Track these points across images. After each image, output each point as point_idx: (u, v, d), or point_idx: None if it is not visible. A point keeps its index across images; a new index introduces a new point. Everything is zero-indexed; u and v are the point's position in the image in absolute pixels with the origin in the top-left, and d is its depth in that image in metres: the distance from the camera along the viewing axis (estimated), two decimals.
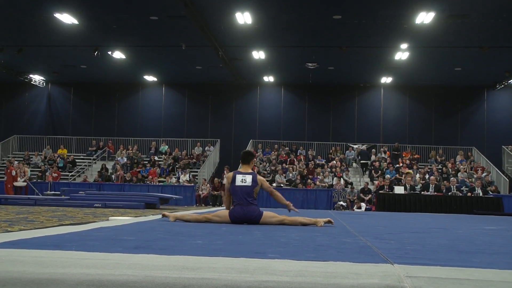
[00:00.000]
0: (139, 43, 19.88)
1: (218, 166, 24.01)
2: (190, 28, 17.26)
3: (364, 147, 23.88)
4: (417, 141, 24.75)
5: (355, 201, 18.88)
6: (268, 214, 6.09)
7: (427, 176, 20.35)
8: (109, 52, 20.53)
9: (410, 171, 20.99)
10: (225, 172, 20.82)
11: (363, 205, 18.59)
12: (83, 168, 23.85)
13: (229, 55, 20.57)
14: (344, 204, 18.90)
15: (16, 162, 21.16)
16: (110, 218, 7.36)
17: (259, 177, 6.25)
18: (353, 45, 19.08)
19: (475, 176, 20.95)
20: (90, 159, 24.55)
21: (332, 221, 6.19)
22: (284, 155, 23.61)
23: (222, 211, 6.31)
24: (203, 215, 6.31)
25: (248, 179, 6.08)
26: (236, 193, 6.07)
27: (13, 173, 19.01)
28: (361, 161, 23.25)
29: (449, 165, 22.34)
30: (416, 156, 23.77)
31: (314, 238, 4.13)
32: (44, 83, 26.89)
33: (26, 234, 3.65)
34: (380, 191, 18.74)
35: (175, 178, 21.61)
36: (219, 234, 4.29)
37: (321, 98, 25.80)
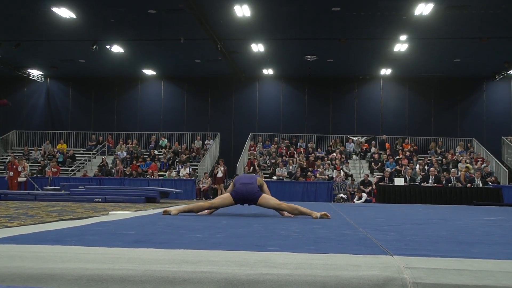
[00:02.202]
0: (138, 37, 19.82)
1: (218, 159, 24.02)
2: (189, 21, 17.20)
3: (363, 139, 23.87)
4: (417, 132, 24.74)
5: (356, 192, 18.90)
6: (266, 195, 6.23)
7: (426, 168, 20.36)
8: (108, 46, 20.47)
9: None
10: (219, 164, 20.79)
11: (364, 195, 18.61)
12: (83, 163, 23.86)
13: (228, 48, 20.52)
14: (344, 196, 18.93)
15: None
16: (110, 212, 7.37)
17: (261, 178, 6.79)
18: (352, 37, 19.04)
19: (475, 167, 20.96)
20: (90, 153, 24.54)
21: (328, 214, 6.14)
22: (284, 148, 23.62)
23: (223, 194, 6.47)
24: (206, 202, 6.52)
25: (252, 175, 6.62)
26: (239, 179, 6.40)
27: (19, 168, 19.08)
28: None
29: (449, 156, 22.34)
30: (414, 147, 23.77)
31: (314, 231, 4.14)
32: (43, 78, 26.85)
33: (25, 229, 3.65)
34: (380, 183, 18.77)
35: (175, 172, 21.62)
36: (219, 228, 4.29)
37: (321, 90, 25.77)
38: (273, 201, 6.18)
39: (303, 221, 5.38)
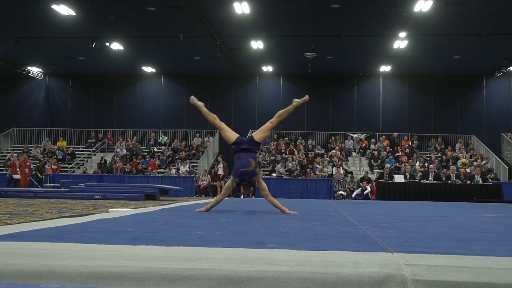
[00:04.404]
0: (137, 34, 19.80)
1: (217, 156, 24.01)
2: (188, 18, 17.18)
3: (363, 136, 23.87)
4: (416, 129, 24.74)
5: (355, 187, 18.92)
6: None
7: (426, 165, 20.36)
8: (107, 44, 20.46)
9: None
10: (219, 161, 20.78)
11: (368, 187, 18.62)
12: (83, 160, 23.86)
13: (227, 45, 20.50)
14: (344, 193, 18.94)
15: (15, 155, 21.13)
16: (109, 209, 7.36)
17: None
18: (351, 34, 19.02)
19: (474, 163, 20.96)
20: (90, 151, 24.54)
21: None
22: (284, 145, 23.60)
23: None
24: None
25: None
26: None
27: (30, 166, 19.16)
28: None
29: (449, 153, 22.33)
30: (415, 142, 23.76)
31: (313, 228, 4.14)
32: (42, 75, 26.82)
33: (25, 227, 3.64)
34: (379, 180, 18.77)
35: (174, 169, 21.62)
36: (218, 225, 4.29)
37: (320, 87, 25.74)
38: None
39: (302, 219, 5.38)
